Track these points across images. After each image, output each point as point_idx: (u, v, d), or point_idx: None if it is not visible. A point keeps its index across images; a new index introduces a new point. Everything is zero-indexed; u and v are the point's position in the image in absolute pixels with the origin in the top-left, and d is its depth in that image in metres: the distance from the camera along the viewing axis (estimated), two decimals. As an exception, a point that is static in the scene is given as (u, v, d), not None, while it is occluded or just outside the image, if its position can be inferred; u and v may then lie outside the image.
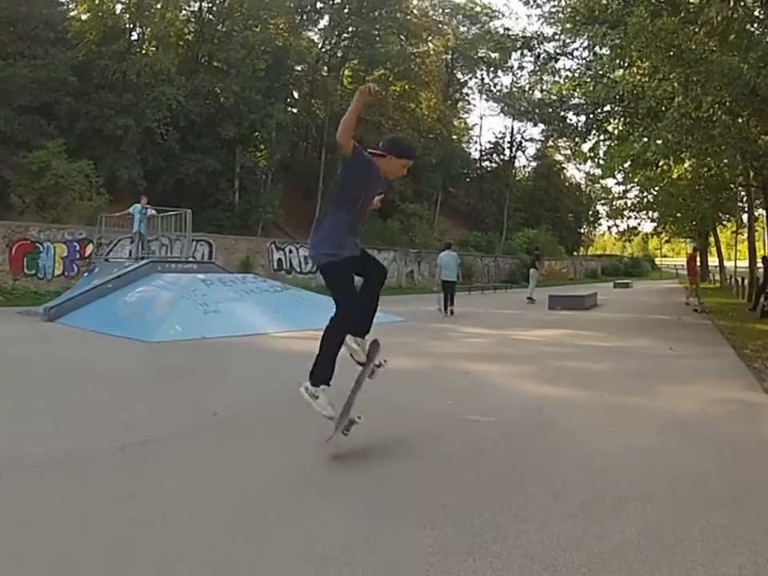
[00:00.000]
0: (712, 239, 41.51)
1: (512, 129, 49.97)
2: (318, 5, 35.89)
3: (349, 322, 3.78)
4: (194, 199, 26.34)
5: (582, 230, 61.39)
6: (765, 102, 10.49)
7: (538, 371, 6.76)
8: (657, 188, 27.15)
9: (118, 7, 28.54)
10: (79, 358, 7.55)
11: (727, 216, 31.60)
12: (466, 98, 50.08)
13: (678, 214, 29.71)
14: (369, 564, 2.28)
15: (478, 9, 45.01)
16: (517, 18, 54.95)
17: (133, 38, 29.47)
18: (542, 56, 15.32)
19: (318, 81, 34.09)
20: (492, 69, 46.62)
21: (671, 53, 10.00)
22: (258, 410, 4.81)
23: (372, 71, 38.44)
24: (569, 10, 13.13)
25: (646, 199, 29.66)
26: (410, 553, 2.37)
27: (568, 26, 13.34)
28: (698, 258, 23.68)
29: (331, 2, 36.02)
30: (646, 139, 15.83)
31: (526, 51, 15.73)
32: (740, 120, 11.93)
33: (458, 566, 2.25)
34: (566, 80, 16.63)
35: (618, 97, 13.41)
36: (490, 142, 52.45)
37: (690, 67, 9.98)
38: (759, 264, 19.93)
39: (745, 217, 28.89)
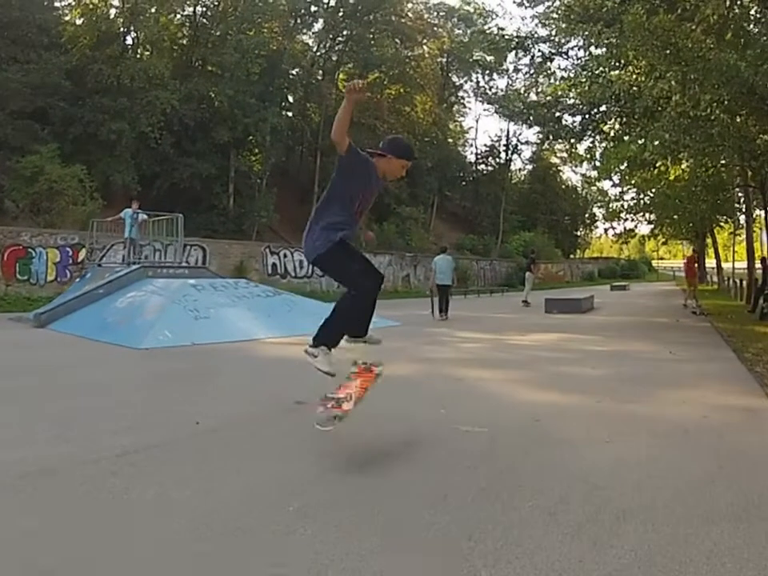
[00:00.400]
0: (709, 241, 41.43)
1: (507, 132, 50.08)
2: (313, 8, 35.83)
3: (364, 291, 3.67)
4: (189, 204, 26.23)
5: (579, 233, 61.46)
6: (763, 101, 10.37)
7: (534, 377, 6.59)
8: (654, 190, 27.04)
9: (112, 12, 28.49)
10: (63, 365, 7.37)
11: (725, 218, 31.52)
12: (462, 101, 50.15)
13: (675, 216, 29.59)
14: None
15: (472, 10, 44.90)
16: (511, 18, 55.03)
17: (127, 42, 29.41)
18: (536, 56, 15.19)
19: (313, 85, 33.99)
20: (487, 72, 46.64)
21: (668, 51, 9.87)
22: (242, 420, 4.63)
23: (367, 75, 38.28)
24: (563, 8, 12.99)
25: (642, 201, 29.54)
26: (392, 580, 2.19)
27: (563, 25, 13.20)
28: (697, 260, 23.51)
29: (326, 6, 35.96)
30: (642, 140, 15.73)
31: (520, 52, 15.60)
32: (738, 119, 11.80)
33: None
34: (562, 80, 16.51)
35: (613, 96, 13.27)
36: (485, 145, 52.60)
37: (687, 65, 9.84)
38: (758, 265, 19.79)
39: (742, 218, 28.82)
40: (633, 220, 32.53)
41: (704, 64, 9.62)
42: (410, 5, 40.22)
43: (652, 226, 33.74)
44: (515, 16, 79.74)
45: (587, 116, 15.14)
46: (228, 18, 30.38)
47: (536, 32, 14.67)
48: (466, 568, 2.26)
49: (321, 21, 36.67)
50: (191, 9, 31.45)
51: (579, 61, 15.08)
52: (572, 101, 15.44)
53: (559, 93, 16.06)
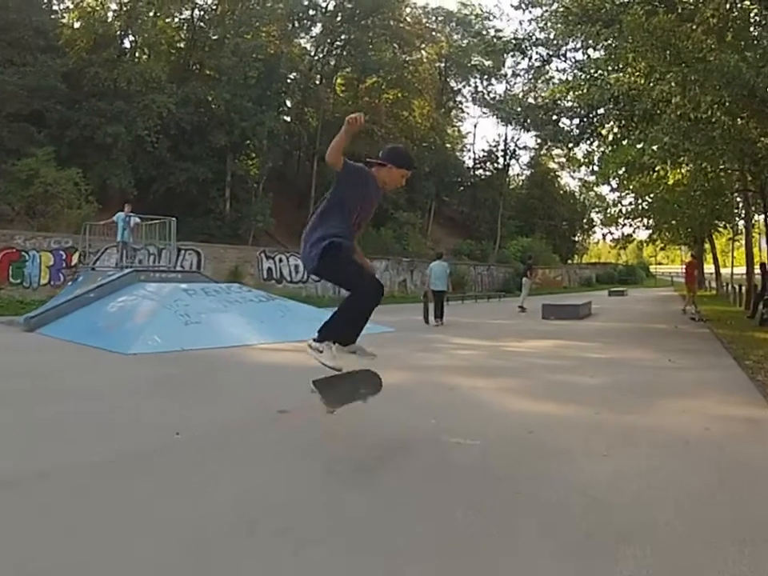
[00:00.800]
0: (707, 246, 41.31)
1: (506, 137, 49.99)
2: (311, 12, 35.78)
3: (367, 292, 3.63)
4: (185, 208, 26.12)
5: (577, 238, 61.36)
6: (764, 104, 10.23)
7: (530, 386, 6.41)
8: (652, 195, 26.92)
9: (110, 15, 28.39)
10: (48, 370, 7.21)
11: (723, 223, 31.41)
12: (460, 106, 50.04)
13: (674, 221, 29.46)
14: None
15: (472, 16, 44.82)
16: (509, 20, 55.03)
17: (124, 45, 29.29)
18: (534, 59, 15.05)
19: (311, 89, 33.87)
20: (486, 77, 46.59)
21: (668, 51, 9.72)
22: (224, 430, 4.44)
23: (365, 79, 38.32)
24: (561, 10, 12.86)
25: (640, 206, 29.41)
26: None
27: (559, 25, 13.06)
28: (697, 266, 23.36)
29: (324, 10, 35.92)
30: (640, 145, 15.58)
31: (518, 55, 15.46)
32: (739, 121, 11.65)
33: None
34: (559, 82, 16.37)
35: (612, 99, 13.12)
36: (483, 150, 52.37)
37: (687, 66, 9.69)
38: (756, 271, 19.65)
39: (741, 223, 28.70)
40: (631, 225, 32.38)
41: (704, 65, 9.47)
42: (408, 9, 40.26)
43: (650, 231, 33.57)
44: (512, 18, 79.77)
45: (585, 119, 14.98)
46: (226, 21, 30.32)
47: (533, 34, 14.54)
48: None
49: (319, 25, 36.64)
50: (189, 12, 31.38)
51: (577, 63, 14.96)
52: (570, 103, 15.28)
53: (557, 96, 15.90)
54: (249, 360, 8.31)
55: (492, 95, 48.16)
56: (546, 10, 14.34)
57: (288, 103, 34.66)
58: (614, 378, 6.82)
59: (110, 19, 28.31)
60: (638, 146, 16.48)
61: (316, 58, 37.58)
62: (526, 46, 14.39)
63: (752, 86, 9.34)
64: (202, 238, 24.27)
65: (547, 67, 15.74)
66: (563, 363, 8.07)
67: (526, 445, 4.01)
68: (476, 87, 48.27)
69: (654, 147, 13.23)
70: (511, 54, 15.57)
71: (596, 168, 22.63)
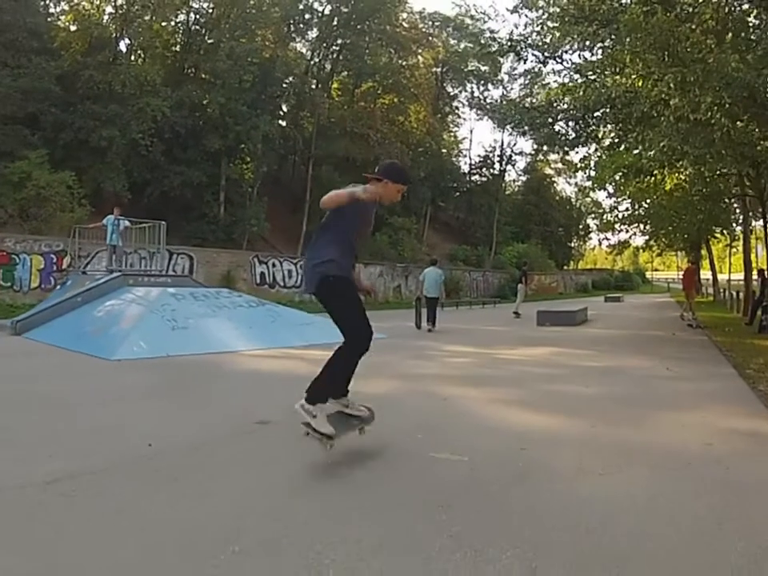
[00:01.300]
0: (704, 252, 41.20)
1: (502, 142, 49.92)
2: (307, 16, 35.62)
3: (360, 342, 3.73)
4: (179, 212, 25.92)
5: (573, 244, 61.35)
6: (764, 107, 10.06)
7: (523, 396, 6.17)
8: (649, 200, 26.78)
9: (105, 18, 28.18)
10: (26, 376, 7.01)
11: (720, 229, 31.31)
12: (456, 111, 49.93)
13: (671, 227, 29.32)
14: None
15: (467, 18, 44.72)
16: (503, 21, 54.95)
17: (119, 48, 29.13)
18: (530, 60, 14.86)
19: (307, 93, 33.66)
20: (482, 82, 46.53)
21: (666, 52, 9.55)
22: (200, 442, 4.21)
23: (361, 84, 38.19)
24: (557, 10, 12.68)
25: (637, 212, 29.27)
26: None
27: (556, 24, 12.88)
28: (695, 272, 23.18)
29: (320, 14, 35.76)
30: (637, 150, 15.41)
31: (514, 58, 15.29)
32: (739, 124, 11.47)
33: None
34: (555, 83, 16.22)
35: (609, 100, 12.91)
36: (479, 155, 52.41)
37: (686, 67, 9.51)
38: (755, 277, 19.47)
39: (739, 229, 28.57)
40: (627, 231, 32.24)
41: (704, 66, 9.30)
42: (404, 14, 40.06)
43: (647, 237, 33.42)
44: (508, 21, 79.89)
45: (581, 121, 14.78)
46: (221, 25, 30.11)
47: (529, 37, 14.35)
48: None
49: (315, 29, 36.46)
50: (184, 15, 31.21)
51: (574, 66, 14.77)
52: (565, 105, 15.07)
53: (552, 98, 15.70)
54: (235, 367, 8.06)
55: (489, 100, 48.19)
56: (543, 13, 14.18)
57: (283, 107, 34.44)
58: (609, 388, 6.60)
59: (105, 22, 28.10)
60: (635, 152, 16.31)
61: (312, 62, 37.40)
62: (521, 48, 14.20)
63: (752, 88, 9.16)
64: (196, 242, 24.03)
65: (543, 70, 15.60)
66: (558, 372, 7.85)
67: (517, 463, 3.77)
68: (472, 92, 48.26)
69: (651, 152, 13.03)
70: (506, 56, 15.40)
71: (592, 173, 22.44)
